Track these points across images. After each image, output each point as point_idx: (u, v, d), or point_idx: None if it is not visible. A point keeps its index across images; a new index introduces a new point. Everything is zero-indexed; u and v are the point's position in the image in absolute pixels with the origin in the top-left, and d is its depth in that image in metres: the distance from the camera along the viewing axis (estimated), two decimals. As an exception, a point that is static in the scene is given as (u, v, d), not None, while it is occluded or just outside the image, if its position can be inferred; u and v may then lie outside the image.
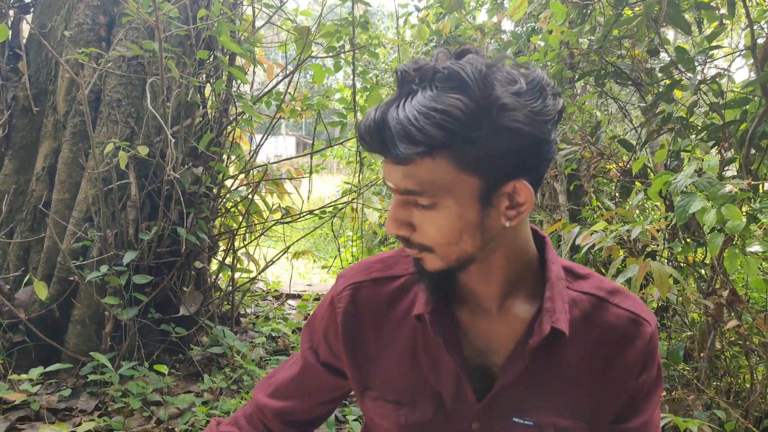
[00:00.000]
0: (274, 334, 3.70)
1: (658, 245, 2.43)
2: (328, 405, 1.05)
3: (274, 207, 3.62)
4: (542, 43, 3.19)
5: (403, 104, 0.70)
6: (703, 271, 2.56)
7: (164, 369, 2.65)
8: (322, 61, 3.46)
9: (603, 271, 3.15)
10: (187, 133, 3.00)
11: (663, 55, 3.06)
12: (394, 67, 6.78)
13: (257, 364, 3.17)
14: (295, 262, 5.06)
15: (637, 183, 2.99)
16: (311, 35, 3.12)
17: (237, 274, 3.61)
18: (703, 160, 1.98)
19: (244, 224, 3.54)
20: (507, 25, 4.92)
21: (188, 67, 2.92)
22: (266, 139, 3.53)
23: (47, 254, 2.87)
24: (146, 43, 2.68)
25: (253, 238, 3.69)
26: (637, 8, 2.85)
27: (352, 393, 0.99)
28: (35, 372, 2.48)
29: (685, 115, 2.50)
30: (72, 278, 2.76)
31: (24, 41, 3.12)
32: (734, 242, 1.97)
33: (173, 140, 2.68)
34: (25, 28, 3.21)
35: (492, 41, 4.68)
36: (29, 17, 3.19)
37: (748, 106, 2.29)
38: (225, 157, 3.43)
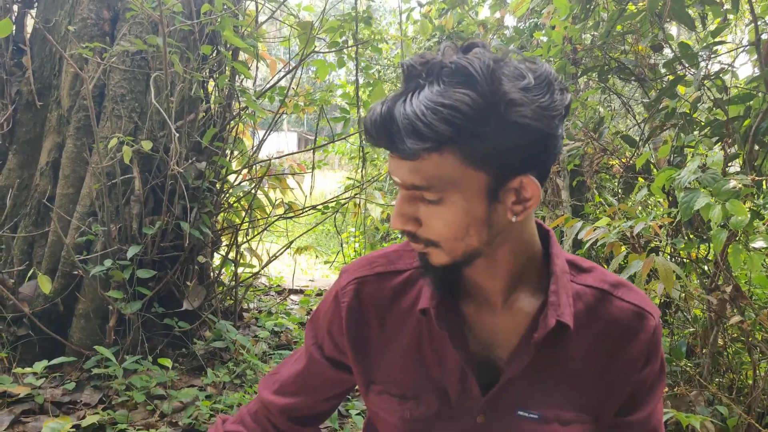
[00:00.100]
0: (277, 329, 3.71)
1: (660, 241, 2.43)
2: (333, 400, 1.04)
3: (277, 202, 3.63)
4: (545, 39, 3.19)
5: (410, 99, 0.70)
6: (705, 268, 2.56)
7: (168, 363, 2.66)
8: (324, 56, 3.46)
9: (605, 267, 3.15)
10: (190, 128, 3.01)
11: (666, 50, 3.06)
12: (397, 62, 6.78)
13: (260, 358, 3.18)
14: (298, 257, 5.06)
15: (640, 179, 2.99)
16: (314, 30, 3.11)
17: (240, 269, 3.62)
18: (706, 156, 1.98)
19: (246, 219, 3.55)
20: (510, 20, 4.90)
21: (192, 62, 2.93)
22: (269, 134, 3.53)
23: (51, 248, 2.88)
24: (150, 37, 2.68)
25: (255, 233, 3.69)
26: (640, 3, 2.84)
27: (356, 388, 0.99)
28: (39, 365, 2.50)
29: (688, 111, 2.50)
30: (76, 272, 2.77)
31: (28, 36, 3.13)
32: (738, 238, 1.97)
33: (177, 135, 2.68)
34: (29, 23, 3.21)
35: (494, 37, 4.67)
36: (33, 12, 3.19)
37: (751, 102, 2.28)
38: (228, 152, 3.43)
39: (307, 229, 4.27)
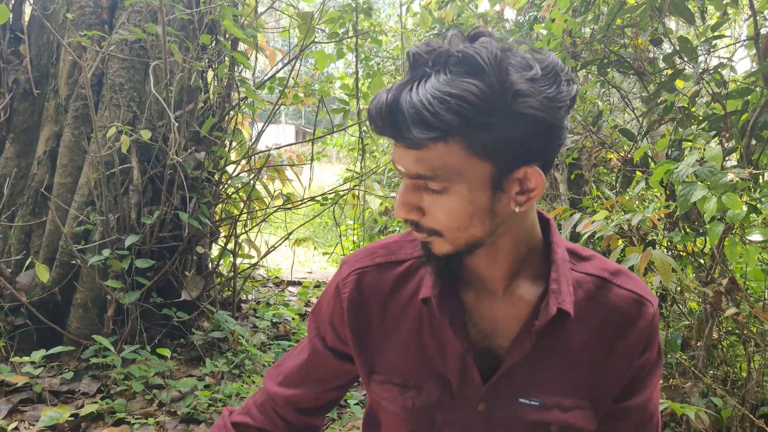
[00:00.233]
0: (275, 319, 3.73)
1: (657, 234, 2.45)
2: (338, 390, 1.05)
3: (276, 193, 3.63)
4: (545, 32, 3.19)
5: (416, 87, 0.69)
6: (701, 261, 2.57)
7: (167, 353, 2.66)
8: (323, 47, 3.45)
9: (602, 260, 3.16)
10: (189, 117, 3.00)
11: (666, 44, 3.06)
12: (396, 55, 6.76)
13: (258, 348, 3.19)
14: (296, 249, 5.07)
15: (638, 172, 3.00)
16: (314, 21, 3.10)
17: (238, 260, 3.63)
18: (704, 150, 1.99)
19: (245, 210, 3.55)
20: (509, 13, 4.90)
21: (191, 51, 2.92)
22: (268, 124, 3.53)
23: (49, 238, 2.88)
24: (149, 26, 2.67)
25: (254, 224, 3.70)
26: (641, -3, 2.84)
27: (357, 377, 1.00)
28: (37, 355, 2.50)
29: (686, 105, 2.50)
30: (74, 262, 2.77)
31: (26, 24, 3.10)
32: (734, 231, 1.98)
33: (176, 125, 2.68)
34: (27, 11, 3.19)
35: (494, 30, 4.66)
36: (31, -1, 3.17)
37: (749, 97, 2.29)
38: (227, 142, 3.43)
39: (306, 221, 4.27)
